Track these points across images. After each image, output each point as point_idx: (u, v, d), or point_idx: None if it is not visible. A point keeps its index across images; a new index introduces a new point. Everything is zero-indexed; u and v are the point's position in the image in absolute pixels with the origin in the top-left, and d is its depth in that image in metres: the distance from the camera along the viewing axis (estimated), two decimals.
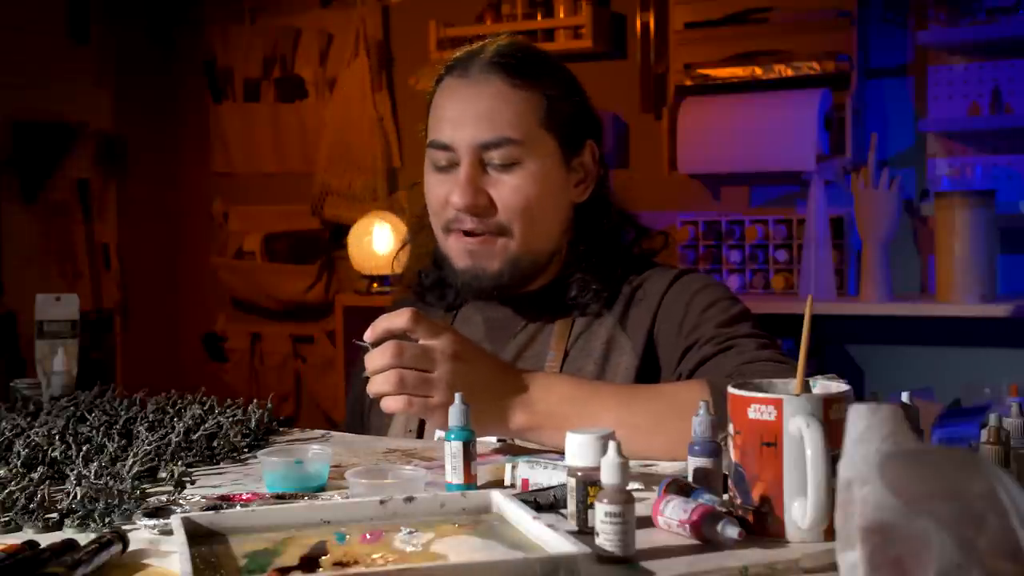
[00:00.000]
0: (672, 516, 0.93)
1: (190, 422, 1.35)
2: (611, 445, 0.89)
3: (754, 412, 0.93)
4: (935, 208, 3.01)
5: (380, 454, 1.34)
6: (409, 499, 0.94)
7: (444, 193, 1.46)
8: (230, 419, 1.38)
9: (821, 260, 3.11)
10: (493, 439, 1.33)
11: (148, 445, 1.23)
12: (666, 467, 1.19)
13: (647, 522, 0.95)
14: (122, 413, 1.44)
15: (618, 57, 3.60)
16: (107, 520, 1.01)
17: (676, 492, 0.97)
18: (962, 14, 3.03)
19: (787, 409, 0.91)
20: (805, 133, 3.13)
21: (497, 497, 0.94)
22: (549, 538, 0.83)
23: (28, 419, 1.41)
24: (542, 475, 1.09)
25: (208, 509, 1.02)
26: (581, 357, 1.47)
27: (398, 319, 1.22)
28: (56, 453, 1.21)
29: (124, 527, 0.98)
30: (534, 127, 1.45)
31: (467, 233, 1.46)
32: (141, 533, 0.98)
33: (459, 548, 0.85)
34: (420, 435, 1.49)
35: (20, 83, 3.87)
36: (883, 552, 0.63)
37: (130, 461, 1.17)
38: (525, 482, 1.10)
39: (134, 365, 4.21)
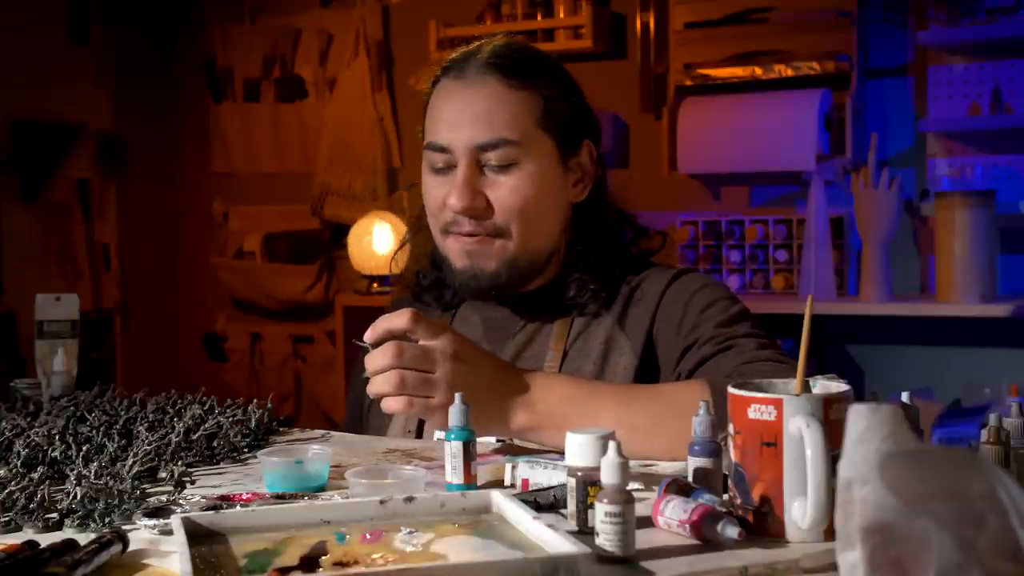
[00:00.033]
0: (672, 516, 0.93)
1: (190, 422, 1.35)
2: (611, 445, 0.89)
3: (754, 412, 0.93)
4: (935, 208, 3.01)
5: (380, 454, 1.34)
6: (409, 499, 0.94)
7: (442, 195, 1.46)
8: (230, 419, 1.38)
9: (821, 260, 3.11)
10: (492, 439, 1.33)
11: (148, 445, 1.23)
12: (666, 467, 1.19)
13: (647, 522, 0.95)
14: (122, 413, 1.44)
15: (618, 57, 3.60)
16: (107, 520, 1.01)
17: (676, 492, 0.97)
18: (962, 14, 3.03)
19: (787, 409, 0.91)
20: (805, 133, 3.13)
21: (497, 497, 0.94)
22: (549, 538, 0.83)
23: (28, 419, 1.41)
24: (542, 475, 1.09)
25: (208, 509, 1.02)
26: (580, 357, 1.47)
27: (398, 320, 1.22)
28: (56, 453, 1.21)
29: (124, 527, 0.98)
30: (531, 128, 1.45)
31: (465, 235, 1.46)
32: (141, 533, 0.98)
33: (459, 548, 0.85)
34: (419, 435, 1.49)
35: (20, 83, 3.87)
36: (883, 552, 0.63)
37: (130, 461, 1.17)
38: (525, 482, 1.10)
39: (134, 365, 4.21)
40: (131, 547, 0.92)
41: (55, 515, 1.02)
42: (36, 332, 1.66)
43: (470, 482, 1.09)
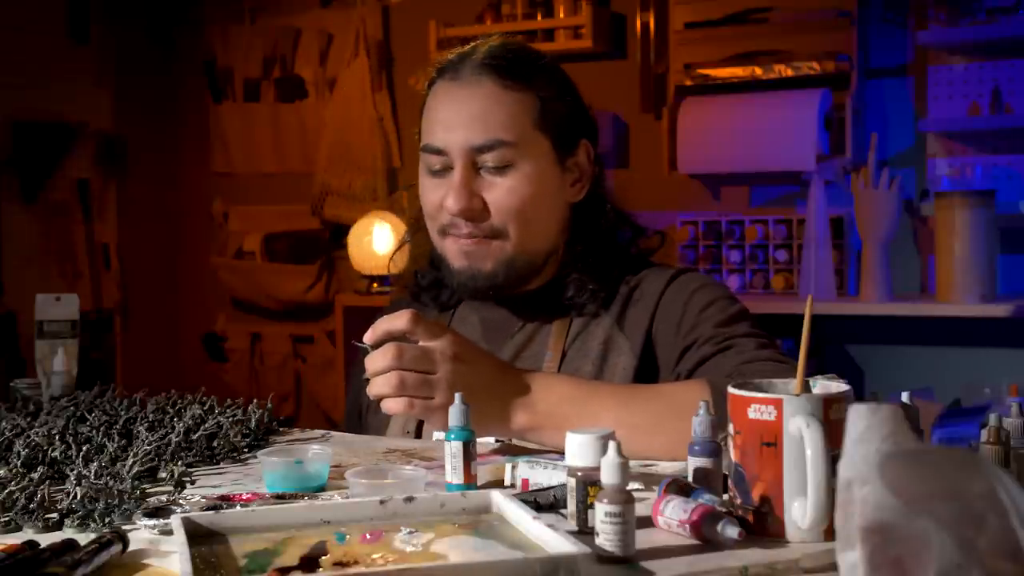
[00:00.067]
0: (672, 516, 0.93)
1: (190, 422, 1.35)
2: (611, 445, 0.89)
3: (754, 412, 0.93)
4: (935, 208, 3.01)
5: (380, 454, 1.34)
6: (409, 499, 0.94)
7: (438, 197, 1.46)
8: (230, 419, 1.38)
9: (821, 260, 3.11)
10: (492, 439, 1.32)
11: (148, 445, 1.23)
12: (666, 467, 1.19)
13: (647, 522, 0.95)
14: (122, 413, 1.44)
15: (618, 57, 3.60)
16: (107, 520, 1.01)
17: (676, 492, 0.97)
18: (962, 14, 3.03)
19: (787, 409, 0.91)
20: (805, 133, 3.13)
21: (497, 497, 0.94)
22: (549, 538, 0.83)
23: (28, 419, 1.41)
24: (542, 475, 1.09)
25: (208, 509, 1.02)
26: (579, 358, 1.47)
27: (398, 321, 1.22)
28: (56, 453, 1.21)
29: (124, 527, 0.98)
30: (527, 128, 1.45)
31: (463, 236, 1.45)
32: (141, 533, 0.98)
33: (459, 548, 0.85)
34: (418, 436, 1.49)
35: (20, 83, 3.87)
36: (883, 552, 0.63)
37: (130, 461, 1.17)
38: (525, 482, 1.10)
39: (134, 365, 4.21)
40: (131, 547, 0.92)
41: (55, 515, 1.02)
42: (36, 332, 1.66)
43: (470, 482, 1.09)
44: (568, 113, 1.50)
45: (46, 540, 0.90)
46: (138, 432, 1.31)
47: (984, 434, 1.00)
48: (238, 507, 1.03)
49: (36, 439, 1.24)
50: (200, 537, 0.88)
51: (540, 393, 1.26)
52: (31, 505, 1.02)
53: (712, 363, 1.37)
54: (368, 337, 1.22)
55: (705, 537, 0.91)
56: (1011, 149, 3.10)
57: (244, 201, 4.32)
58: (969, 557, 0.61)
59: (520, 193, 1.44)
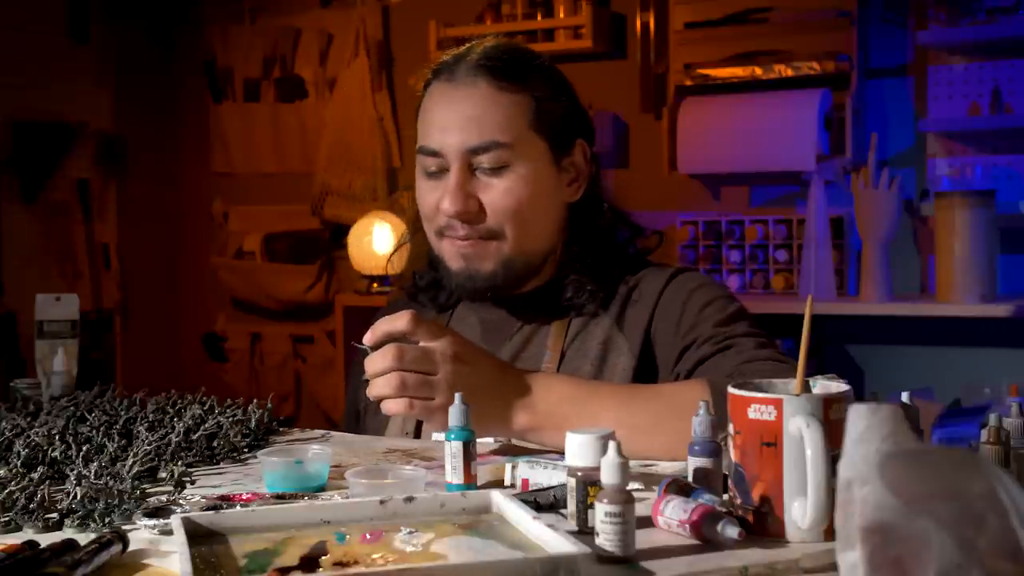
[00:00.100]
0: (672, 516, 0.93)
1: (190, 422, 1.35)
2: (611, 445, 0.89)
3: (754, 412, 0.93)
4: (935, 208, 3.01)
5: (380, 454, 1.34)
6: (409, 499, 0.94)
7: (435, 199, 1.46)
8: (230, 419, 1.38)
9: (821, 260, 3.11)
10: (491, 439, 1.32)
11: (148, 445, 1.23)
12: (666, 467, 1.19)
13: (647, 522, 0.95)
14: (122, 413, 1.44)
15: (618, 57, 3.60)
16: (107, 520, 1.01)
17: (676, 492, 0.97)
18: (962, 14, 3.03)
19: (787, 409, 0.91)
20: (805, 133, 3.13)
21: (497, 497, 0.94)
22: (549, 538, 0.83)
23: (28, 419, 1.41)
24: (542, 475, 1.09)
25: (208, 509, 1.02)
26: (578, 358, 1.46)
27: (398, 322, 1.21)
28: (56, 453, 1.21)
29: (124, 527, 0.98)
30: (523, 129, 1.45)
31: (459, 238, 1.45)
32: (141, 533, 0.98)
33: (459, 548, 0.85)
34: (417, 437, 1.49)
35: (20, 83, 3.87)
36: (883, 552, 0.63)
37: (130, 461, 1.17)
38: (525, 482, 1.10)
39: (134, 365, 4.21)
40: (131, 547, 0.92)
41: (55, 515, 1.02)
42: (36, 332, 1.66)
43: (470, 482, 1.09)
44: (564, 113, 1.50)
45: (46, 540, 0.90)
46: (138, 432, 1.31)
47: (984, 434, 1.00)
48: (238, 507, 1.03)
49: (36, 439, 1.24)
50: (200, 537, 0.88)
51: (540, 393, 1.26)
52: (31, 505, 1.02)
53: (711, 363, 1.37)
54: (368, 338, 1.22)
55: (705, 537, 0.91)
56: (1011, 149, 3.10)
57: (244, 201, 4.32)
58: (969, 557, 0.61)
59: (516, 194, 1.44)
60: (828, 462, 0.87)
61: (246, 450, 1.36)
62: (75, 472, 1.10)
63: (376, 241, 3.61)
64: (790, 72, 3.22)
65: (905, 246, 3.21)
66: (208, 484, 1.19)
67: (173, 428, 1.31)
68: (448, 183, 1.43)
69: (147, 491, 1.12)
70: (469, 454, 1.09)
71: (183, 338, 4.48)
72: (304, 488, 1.13)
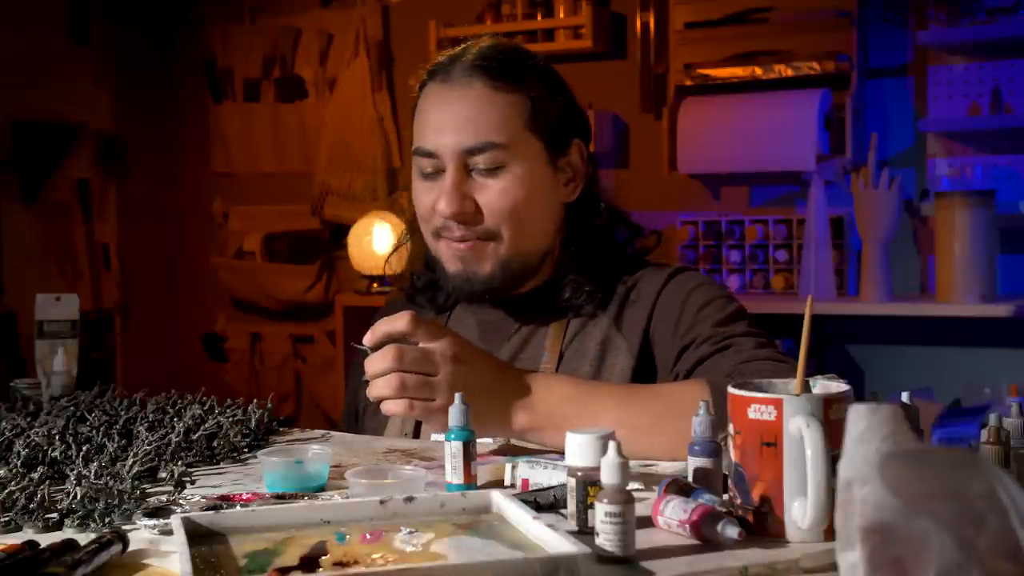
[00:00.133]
0: (672, 516, 0.93)
1: (190, 422, 1.35)
2: (611, 445, 0.89)
3: (754, 412, 0.93)
4: (935, 208, 3.01)
5: (380, 454, 1.34)
6: (409, 499, 0.94)
7: (431, 200, 1.45)
8: (230, 419, 1.38)
9: (821, 260, 3.11)
10: (491, 439, 1.32)
11: (148, 445, 1.23)
12: (666, 467, 1.19)
13: (647, 522, 0.95)
14: (122, 413, 1.44)
15: (618, 57, 3.60)
16: (107, 520, 1.01)
17: (676, 492, 0.97)
18: (962, 14, 3.03)
19: (787, 409, 0.91)
20: (805, 133, 3.13)
21: (497, 497, 0.94)
22: (549, 538, 0.83)
23: (28, 419, 1.41)
24: (542, 475, 1.09)
25: (208, 509, 1.02)
26: (576, 359, 1.46)
27: (398, 323, 1.21)
28: (56, 453, 1.21)
29: (124, 527, 0.98)
30: (519, 130, 1.44)
31: (456, 239, 1.45)
32: (141, 533, 0.98)
33: (459, 548, 0.85)
34: (416, 439, 1.49)
35: (20, 83, 3.87)
36: (883, 552, 0.63)
37: (130, 461, 1.17)
38: (525, 482, 1.10)
39: (134, 365, 4.21)
40: (131, 547, 0.92)
41: (55, 515, 1.02)
42: (36, 332, 1.66)
43: (470, 482, 1.09)
44: (559, 113, 1.50)
45: (46, 540, 0.90)
46: (138, 432, 1.31)
47: (984, 434, 1.00)
48: (238, 507, 1.03)
49: (36, 439, 1.24)
50: (200, 537, 0.88)
51: (540, 393, 1.26)
52: (31, 505, 1.02)
53: (711, 363, 1.37)
54: (368, 339, 1.22)
55: (705, 537, 0.91)
56: (1011, 149, 3.10)
57: (244, 201, 4.32)
58: (969, 557, 0.61)
59: (513, 194, 1.44)
60: (828, 462, 0.87)
61: (246, 450, 1.36)
62: (75, 472, 1.10)
63: (376, 241, 3.61)
64: (790, 72, 3.22)
65: (905, 246, 3.21)
66: (208, 484, 1.19)
67: (173, 428, 1.31)
68: (444, 184, 1.43)
69: (147, 491, 1.12)
70: (469, 454, 1.09)
71: (183, 338, 4.48)
72: (304, 488, 1.13)
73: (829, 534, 0.90)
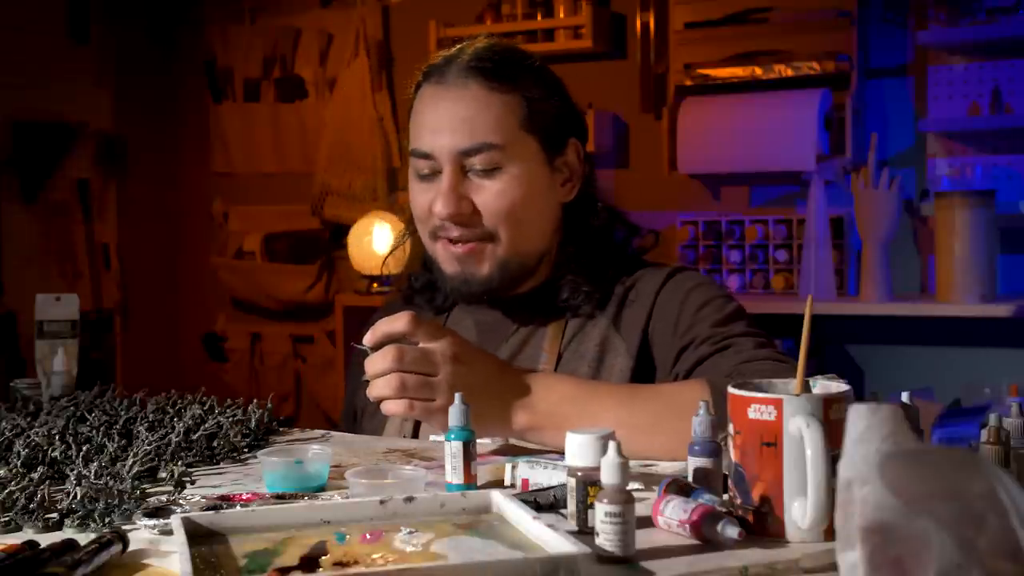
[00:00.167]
0: (672, 516, 0.93)
1: (190, 422, 1.35)
2: (611, 445, 0.89)
3: (754, 412, 0.93)
4: (935, 208, 3.01)
5: (380, 454, 1.34)
6: (409, 499, 0.94)
7: (428, 202, 1.45)
8: (230, 419, 1.38)
9: (821, 260, 3.11)
10: (490, 439, 1.32)
11: (148, 445, 1.23)
12: (666, 467, 1.19)
13: (647, 522, 0.95)
14: (122, 413, 1.44)
15: (618, 57, 3.60)
16: (107, 520, 1.01)
17: (676, 492, 0.97)
18: (962, 14, 3.03)
19: (787, 409, 0.91)
20: (805, 133, 3.13)
21: (497, 497, 0.94)
22: (549, 538, 0.83)
23: (28, 419, 1.41)
24: (542, 475, 1.09)
25: (208, 509, 1.02)
26: (575, 359, 1.46)
27: (398, 323, 1.21)
28: (56, 453, 1.21)
29: (124, 527, 0.98)
30: (515, 130, 1.44)
31: (453, 241, 1.45)
32: (141, 533, 0.98)
33: (459, 548, 0.85)
34: (415, 439, 1.49)
35: (20, 83, 3.87)
36: (883, 552, 0.63)
37: (130, 461, 1.17)
38: (525, 482, 1.10)
39: (134, 365, 4.21)
40: (131, 547, 0.92)
41: (55, 515, 1.02)
42: (36, 332, 1.66)
43: (470, 482, 1.09)
44: (556, 113, 1.49)
45: (46, 540, 0.90)
46: (138, 432, 1.31)
47: (984, 434, 1.00)
48: (238, 507, 1.03)
49: (36, 439, 1.24)
50: (200, 537, 0.88)
51: (540, 393, 1.26)
52: (31, 505, 1.02)
53: (710, 363, 1.37)
54: (368, 339, 1.22)
55: (705, 537, 0.91)
56: (1011, 149, 3.10)
57: (244, 201, 4.32)
58: (969, 557, 0.61)
59: (509, 195, 1.43)
60: (828, 462, 0.87)
61: (246, 450, 1.36)
62: (75, 472, 1.10)
63: (376, 241, 3.61)
64: (790, 72, 3.22)
65: (905, 246, 3.21)
66: (208, 484, 1.19)
67: (173, 428, 1.31)
68: (441, 186, 1.43)
69: (147, 491, 1.12)
70: (469, 454, 1.09)
71: (183, 338, 4.48)
72: (304, 488, 1.13)
73: (829, 534, 0.90)
